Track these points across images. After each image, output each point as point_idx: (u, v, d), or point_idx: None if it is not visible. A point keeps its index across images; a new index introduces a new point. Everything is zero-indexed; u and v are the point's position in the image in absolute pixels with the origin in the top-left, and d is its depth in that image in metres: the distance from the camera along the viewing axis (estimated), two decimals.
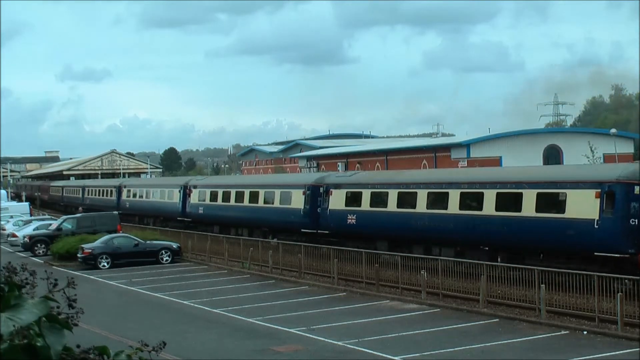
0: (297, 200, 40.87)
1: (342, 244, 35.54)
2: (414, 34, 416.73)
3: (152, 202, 61.73)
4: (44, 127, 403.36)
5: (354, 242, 35.61)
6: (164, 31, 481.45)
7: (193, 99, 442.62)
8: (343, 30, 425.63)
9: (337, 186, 38.70)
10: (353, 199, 37.21)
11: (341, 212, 37.45)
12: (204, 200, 52.10)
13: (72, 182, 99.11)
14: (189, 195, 54.21)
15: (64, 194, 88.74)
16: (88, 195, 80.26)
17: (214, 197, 51.02)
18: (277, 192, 43.68)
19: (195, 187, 54.41)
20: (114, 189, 71.43)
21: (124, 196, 68.36)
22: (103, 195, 74.70)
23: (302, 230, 40.01)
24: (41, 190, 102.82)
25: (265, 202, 44.46)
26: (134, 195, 66.29)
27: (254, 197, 45.86)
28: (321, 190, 39.41)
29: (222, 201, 49.59)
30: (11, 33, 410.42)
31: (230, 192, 49.28)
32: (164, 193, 59.83)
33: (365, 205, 36.22)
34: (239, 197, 47.53)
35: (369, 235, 35.73)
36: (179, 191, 56.04)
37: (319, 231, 39.02)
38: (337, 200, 37.98)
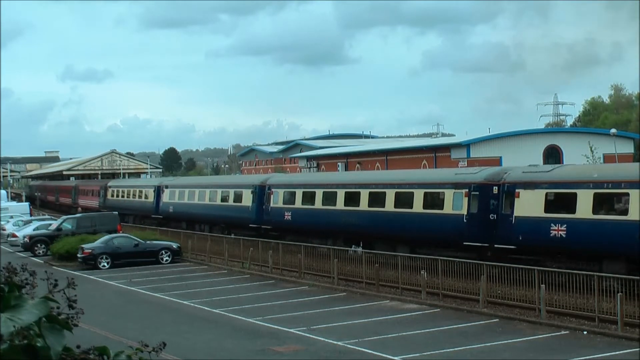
0: (247, 199, 45.68)
1: (282, 238, 39.80)
2: (414, 34, 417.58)
3: (132, 201, 65.54)
4: (44, 127, 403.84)
5: (291, 235, 39.90)
6: (165, 31, 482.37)
7: (193, 99, 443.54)
8: (344, 31, 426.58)
9: (277, 186, 43.40)
10: (289, 198, 41.71)
11: (280, 209, 42.05)
12: (174, 199, 56.54)
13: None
14: (162, 195, 58.53)
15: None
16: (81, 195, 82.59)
17: (181, 196, 55.70)
18: (231, 191, 48.32)
19: (167, 187, 58.92)
20: (100, 189, 74.72)
21: (108, 196, 71.62)
22: (92, 196, 77.87)
23: (250, 225, 44.34)
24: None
25: (222, 201, 49.01)
26: (117, 195, 70.02)
27: (212, 196, 50.55)
28: (266, 189, 43.92)
29: (188, 200, 54.27)
30: (13, 33, 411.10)
31: (194, 191, 53.96)
32: (141, 193, 63.86)
33: (298, 203, 40.76)
34: (201, 196, 52.23)
35: (302, 230, 39.89)
36: (154, 191, 60.17)
37: (263, 226, 43.37)
38: (277, 199, 42.60)
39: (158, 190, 59.46)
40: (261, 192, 44.24)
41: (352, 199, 36.77)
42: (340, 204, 37.46)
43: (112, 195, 71.40)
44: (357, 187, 37.11)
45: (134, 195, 65.55)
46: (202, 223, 51.78)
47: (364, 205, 35.83)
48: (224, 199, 48.75)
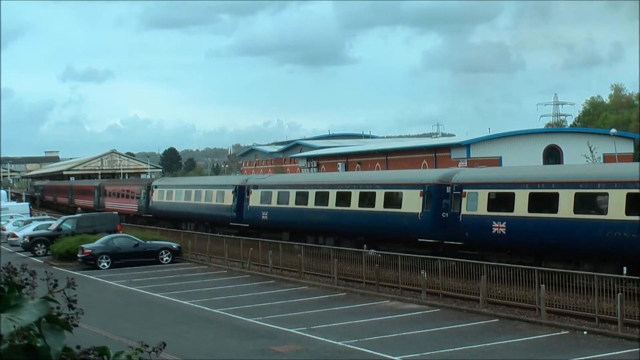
0: (412, 203, 34.10)
1: (488, 259, 28.87)
2: (414, 34, 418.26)
3: (194, 205, 53.86)
4: (44, 127, 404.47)
5: (504, 255, 29.59)
6: (165, 31, 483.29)
7: (193, 99, 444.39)
8: (344, 31, 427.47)
9: (473, 185, 31.74)
10: (500, 201, 30.59)
11: (481, 218, 30.60)
12: (269, 203, 44.70)
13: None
14: (248, 197, 46.99)
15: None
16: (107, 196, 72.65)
17: (283, 198, 43.54)
18: (380, 192, 36.50)
19: (256, 187, 46.97)
20: (140, 189, 63.36)
21: (154, 198, 60.03)
22: (126, 198, 66.88)
23: (419, 239, 33.14)
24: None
25: (360, 205, 37.51)
26: (169, 198, 57.96)
27: (341, 198, 38.94)
28: (451, 190, 32.32)
29: (296, 203, 42.19)
30: (13, 33, 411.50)
31: (306, 192, 41.72)
32: (210, 195, 51.87)
33: (520, 209, 29.18)
34: (322, 198, 40.27)
35: (529, 249, 29.16)
36: (233, 192, 48.49)
37: (446, 242, 31.98)
38: (473, 204, 31.31)
39: (240, 192, 47.45)
40: (438, 194, 32.79)
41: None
42: (616, 212, 25.32)
43: (162, 198, 58.68)
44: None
45: (199, 197, 53.28)
46: (320, 234, 39.79)
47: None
48: (365, 202, 37.07)
